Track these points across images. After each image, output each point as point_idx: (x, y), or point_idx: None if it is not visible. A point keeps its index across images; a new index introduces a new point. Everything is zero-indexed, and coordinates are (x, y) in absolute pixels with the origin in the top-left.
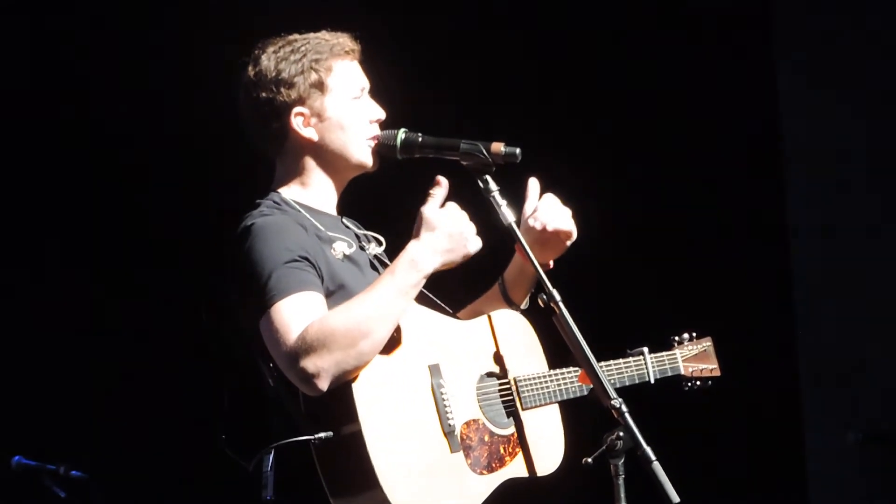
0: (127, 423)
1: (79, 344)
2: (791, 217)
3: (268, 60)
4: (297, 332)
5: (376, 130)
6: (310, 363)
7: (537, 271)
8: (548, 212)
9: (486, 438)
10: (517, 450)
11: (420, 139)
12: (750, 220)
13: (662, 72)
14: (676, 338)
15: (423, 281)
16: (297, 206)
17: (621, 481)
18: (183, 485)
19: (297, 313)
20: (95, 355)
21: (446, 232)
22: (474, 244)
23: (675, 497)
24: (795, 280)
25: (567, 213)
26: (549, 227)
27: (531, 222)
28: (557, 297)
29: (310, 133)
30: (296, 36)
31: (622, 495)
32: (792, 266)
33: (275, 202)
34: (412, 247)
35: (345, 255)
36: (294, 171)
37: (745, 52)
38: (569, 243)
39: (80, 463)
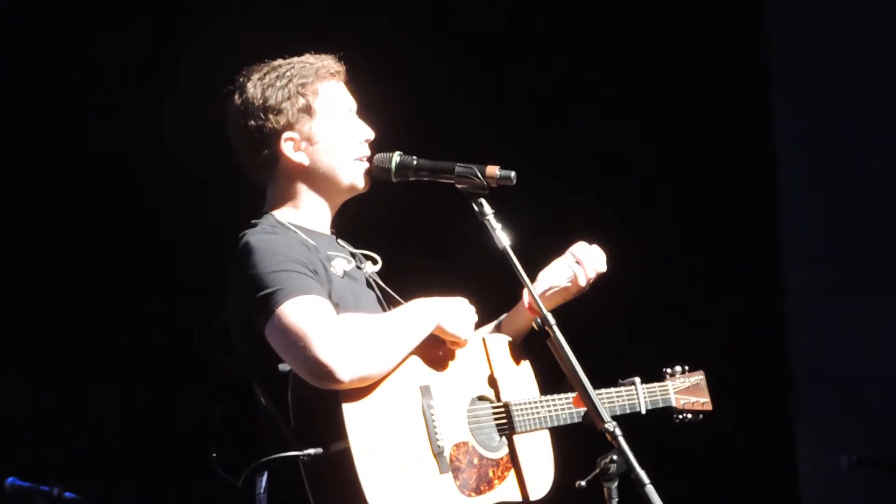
0: (121, 444)
1: (71, 365)
2: (784, 242)
3: (254, 88)
4: (315, 324)
5: (366, 150)
6: (335, 352)
7: (532, 296)
8: (585, 261)
9: (476, 461)
10: (506, 473)
11: (415, 162)
12: (742, 248)
13: (655, 112)
14: (669, 370)
15: (427, 332)
16: (294, 228)
17: None
18: None
19: (310, 310)
20: (89, 377)
21: (460, 310)
22: (468, 335)
23: None
24: (788, 306)
25: (593, 268)
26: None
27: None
28: (552, 320)
29: (300, 158)
30: (280, 61)
31: None
32: (785, 291)
33: (272, 224)
34: (436, 304)
35: (345, 272)
36: (286, 195)
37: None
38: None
39: (74, 484)
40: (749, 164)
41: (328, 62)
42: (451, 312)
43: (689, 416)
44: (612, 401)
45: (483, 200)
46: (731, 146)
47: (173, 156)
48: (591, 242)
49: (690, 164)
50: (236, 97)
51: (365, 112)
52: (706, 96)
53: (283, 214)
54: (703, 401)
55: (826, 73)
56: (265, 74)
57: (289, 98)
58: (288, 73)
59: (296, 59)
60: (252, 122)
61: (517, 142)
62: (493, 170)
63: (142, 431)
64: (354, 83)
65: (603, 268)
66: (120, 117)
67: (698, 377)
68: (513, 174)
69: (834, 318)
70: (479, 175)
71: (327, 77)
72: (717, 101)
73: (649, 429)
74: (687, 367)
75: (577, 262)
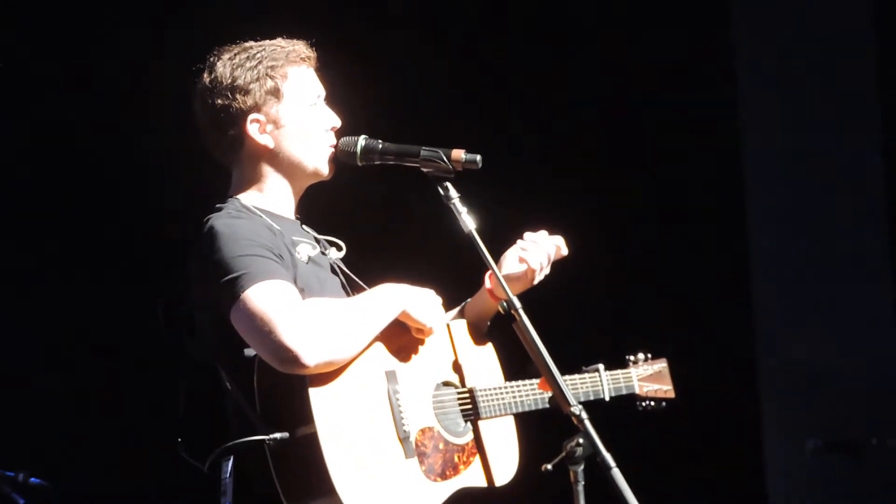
0: (87, 429)
1: (36, 349)
2: (750, 225)
3: (223, 67)
4: (280, 309)
5: (333, 138)
6: (300, 336)
7: (498, 278)
8: (532, 247)
9: (441, 446)
10: (471, 459)
11: (380, 146)
12: (710, 226)
13: (630, 92)
14: (632, 357)
15: (393, 317)
16: (258, 212)
17: (581, 488)
18: (144, 491)
19: (275, 295)
20: (53, 361)
21: (428, 299)
22: (434, 322)
23: None
24: (754, 288)
25: (543, 253)
26: (524, 260)
27: (518, 251)
28: (518, 304)
29: (266, 140)
30: (251, 43)
31: (582, 502)
32: (751, 273)
33: (237, 208)
34: (402, 289)
35: (309, 258)
36: (251, 178)
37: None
38: (537, 279)
39: (40, 470)
40: (716, 150)
41: (299, 47)
42: (418, 299)
43: (652, 403)
44: (576, 387)
45: (449, 184)
46: (699, 134)
47: (137, 138)
48: (556, 226)
49: (658, 149)
50: (205, 76)
51: (334, 100)
52: (674, 75)
53: (247, 198)
54: (665, 388)
55: (790, 52)
56: (235, 55)
57: (257, 79)
58: (258, 55)
59: (267, 41)
60: (219, 101)
61: (484, 126)
62: (459, 153)
63: (109, 416)
64: (325, 70)
65: (553, 253)
66: (91, 102)
67: (661, 365)
68: (478, 158)
69: (799, 303)
70: (445, 159)
71: (297, 62)
72: (685, 83)
73: (615, 412)
74: (650, 355)
75: (524, 249)
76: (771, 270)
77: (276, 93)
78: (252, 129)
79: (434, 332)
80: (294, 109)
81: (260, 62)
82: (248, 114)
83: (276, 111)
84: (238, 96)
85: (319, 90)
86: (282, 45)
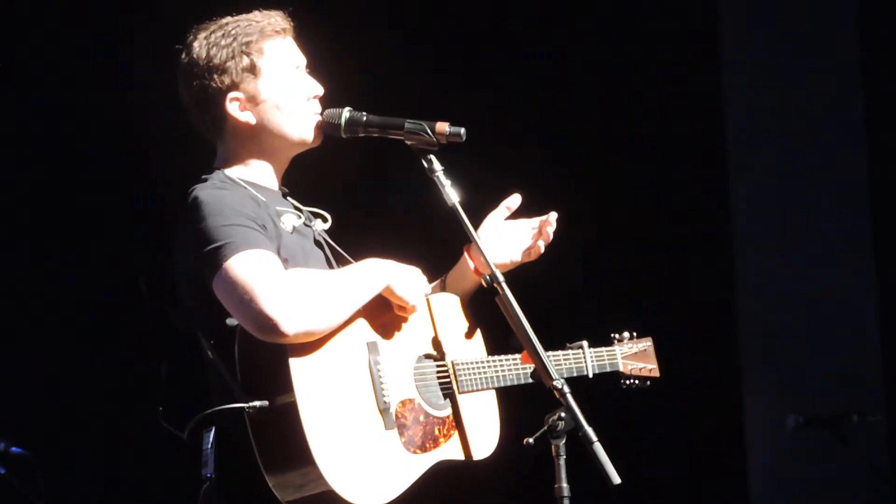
0: (68, 399)
1: (16, 320)
2: (733, 201)
3: (199, 47)
4: (261, 278)
5: (315, 106)
6: (281, 305)
7: (481, 252)
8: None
9: (422, 418)
10: (452, 432)
11: (364, 118)
12: (692, 203)
13: (611, 66)
14: (616, 335)
15: (376, 292)
16: (243, 184)
17: (563, 462)
18: (124, 460)
19: (257, 264)
20: (35, 331)
21: (413, 277)
22: (417, 300)
23: (615, 478)
24: (737, 265)
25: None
26: (532, 253)
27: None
28: (501, 277)
29: (247, 117)
30: (228, 19)
31: (563, 475)
32: (734, 251)
33: (221, 180)
34: (387, 265)
35: (294, 228)
36: (236, 154)
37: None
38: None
39: (21, 440)
40: (698, 124)
41: (275, 19)
42: (402, 276)
43: (637, 381)
44: (560, 364)
45: (433, 157)
46: (679, 106)
47: (119, 110)
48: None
49: (641, 122)
50: (184, 56)
51: (317, 67)
52: (656, 48)
53: (232, 171)
54: (650, 367)
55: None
56: (211, 33)
57: (233, 57)
58: (233, 32)
59: (243, 16)
60: (198, 82)
61: (470, 98)
62: (443, 126)
63: (89, 386)
64: (305, 39)
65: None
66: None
67: (646, 343)
68: (462, 130)
69: (782, 281)
70: (429, 131)
71: (273, 35)
72: (667, 53)
73: (598, 386)
74: (635, 333)
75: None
76: (753, 248)
77: (252, 69)
78: (232, 107)
79: (416, 310)
80: (272, 84)
81: (234, 39)
82: (227, 92)
83: (254, 88)
84: (215, 76)
85: (298, 60)
86: (257, 20)
